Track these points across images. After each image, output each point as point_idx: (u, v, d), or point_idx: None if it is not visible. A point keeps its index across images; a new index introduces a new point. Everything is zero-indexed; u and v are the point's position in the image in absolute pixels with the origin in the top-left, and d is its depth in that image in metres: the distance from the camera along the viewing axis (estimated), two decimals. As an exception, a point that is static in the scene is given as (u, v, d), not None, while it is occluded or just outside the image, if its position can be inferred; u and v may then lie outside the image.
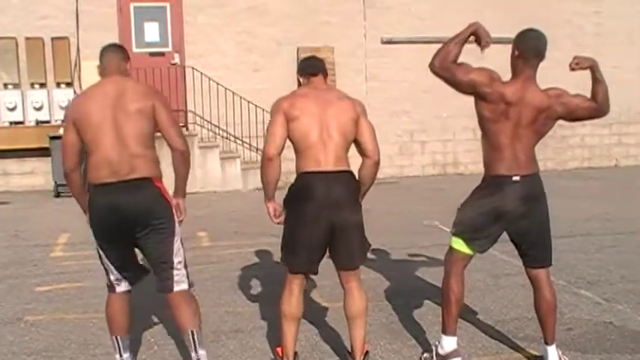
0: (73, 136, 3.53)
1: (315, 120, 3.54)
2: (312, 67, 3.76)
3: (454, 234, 3.79)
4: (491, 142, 3.67)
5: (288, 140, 3.60)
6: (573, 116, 3.70)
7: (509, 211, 3.63)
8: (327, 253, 3.69)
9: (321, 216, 3.49)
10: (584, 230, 7.61)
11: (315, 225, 3.51)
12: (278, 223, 3.72)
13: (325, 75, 3.78)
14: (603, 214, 8.73)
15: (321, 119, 3.54)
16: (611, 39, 13.96)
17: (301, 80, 3.82)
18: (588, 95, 3.68)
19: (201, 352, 3.54)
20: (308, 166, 3.54)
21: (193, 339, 3.52)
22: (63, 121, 11.07)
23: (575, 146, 14.24)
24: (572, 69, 3.68)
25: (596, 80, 3.64)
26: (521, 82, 3.60)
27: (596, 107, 3.64)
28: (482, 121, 3.69)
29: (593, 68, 3.63)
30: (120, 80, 3.58)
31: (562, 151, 14.11)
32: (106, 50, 3.70)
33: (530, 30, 3.68)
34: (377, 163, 3.69)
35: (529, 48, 3.60)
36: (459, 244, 3.76)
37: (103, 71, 3.66)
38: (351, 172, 3.63)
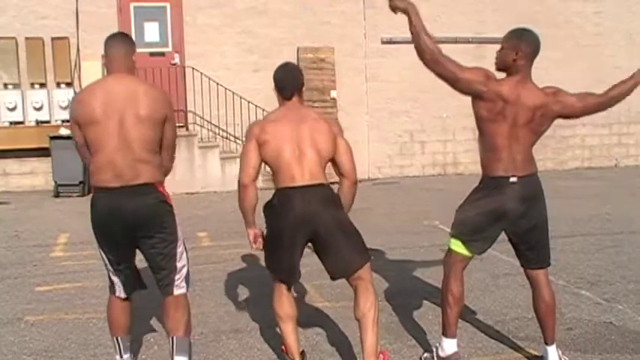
0: (78, 134, 3.46)
1: (286, 140, 3.55)
2: (285, 90, 3.70)
3: (452, 235, 3.79)
4: (488, 142, 3.66)
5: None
6: (571, 112, 3.67)
7: (507, 212, 3.63)
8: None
9: (300, 225, 3.48)
10: (584, 230, 7.61)
11: (294, 234, 3.50)
12: (256, 249, 3.74)
13: (300, 93, 3.73)
14: (603, 214, 8.72)
15: (292, 138, 3.55)
16: (611, 39, 13.98)
17: (276, 95, 3.77)
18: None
19: (177, 359, 3.50)
20: (284, 182, 3.56)
21: (173, 345, 3.51)
22: (64, 121, 11.15)
23: (575, 146, 14.23)
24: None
25: (627, 85, 3.64)
26: (517, 80, 3.60)
27: (602, 102, 3.64)
28: (480, 121, 3.68)
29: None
30: (130, 80, 3.46)
31: (562, 151, 14.11)
32: (113, 41, 3.53)
33: (526, 30, 3.69)
34: (354, 184, 3.70)
35: (533, 49, 3.61)
36: (457, 246, 3.76)
37: (108, 64, 3.52)
38: (327, 185, 3.59)
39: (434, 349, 3.90)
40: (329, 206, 3.55)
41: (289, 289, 3.74)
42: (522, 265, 3.85)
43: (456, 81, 3.60)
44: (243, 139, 3.75)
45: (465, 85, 3.60)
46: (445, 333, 3.81)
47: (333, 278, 3.67)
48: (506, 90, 3.56)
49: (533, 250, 3.76)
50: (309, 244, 3.61)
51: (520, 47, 3.61)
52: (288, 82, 3.73)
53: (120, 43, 3.54)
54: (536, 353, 4.03)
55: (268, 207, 3.63)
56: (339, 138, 3.67)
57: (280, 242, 3.56)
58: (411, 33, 3.62)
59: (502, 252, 5.57)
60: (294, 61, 13.33)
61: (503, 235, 3.78)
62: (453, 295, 3.75)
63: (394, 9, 3.66)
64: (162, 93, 3.61)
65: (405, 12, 3.62)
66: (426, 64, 3.61)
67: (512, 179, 3.60)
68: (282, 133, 3.57)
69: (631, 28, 14.26)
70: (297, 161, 3.54)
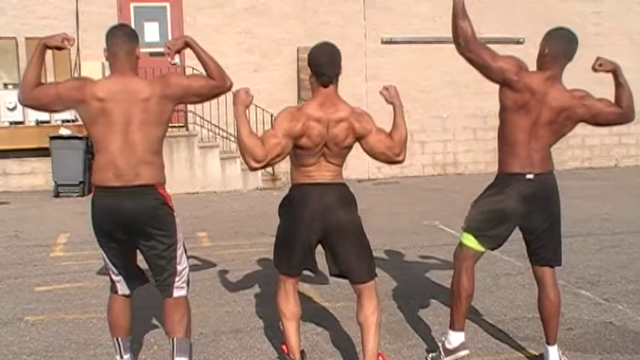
0: (63, 89, 3.49)
1: (319, 138, 3.43)
2: (323, 76, 3.46)
3: (465, 230, 3.79)
4: (507, 137, 3.66)
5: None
6: (596, 120, 3.67)
7: (521, 209, 3.63)
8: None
9: (313, 219, 3.45)
10: (584, 230, 7.60)
11: (307, 228, 3.47)
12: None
13: (337, 81, 3.52)
14: (603, 214, 8.73)
15: (324, 147, 3.46)
16: (611, 39, 13.96)
17: (309, 79, 3.58)
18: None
19: None
20: (302, 179, 3.52)
21: (173, 345, 3.50)
22: (64, 121, 11.15)
23: (575, 146, 14.22)
24: (595, 70, 3.68)
25: (619, 84, 3.62)
26: (546, 76, 3.60)
27: (621, 112, 3.61)
28: (503, 112, 3.68)
29: (616, 72, 3.63)
30: (132, 80, 3.44)
31: (562, 151, 14.10)
32: (115, 36, 3.46)
33: (562, 29, 3.69)
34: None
35: (560, 48, 3.61)
36: (469, 240, 3.76)
37: (111, 60, 3.48)
38: (344, 184, 3.57)
39: (439, 345, 3.89)
40: (349, 209, 3.51)
41: (296, 286, 3.68)
42: (531, 263, 3.85)
43: (487, 69, 3.61)
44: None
45: (497, 73, 3.61)
46: (453, 327, 3.80)
47: (331, 274, 3.64)
48: (536, 83, 3.57)
49: (545, 249, 3.76)
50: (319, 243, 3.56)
51: (547, 43, 3.63)
52: (328, 67, 3.46)
53: (123, 40, 3.47)
54: (536, 353, 4.03)
55: (285, 202, 3.59)
56: (367, 136, 3.52)
57: (293, 234, 3.51)
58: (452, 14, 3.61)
59: (502, 252, 5.56)
60: (294, 61, 13.40)
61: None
62: (465, 289, 3.74)
63: None
64: (154, 80, 3.61)
65: None
66: (459, 49, 3.62)
67: (529, 176, 3.61)
68: (318, 136, 3.42)
69: (631, 28, 14.26)
70: (323, 166, 3.49)
